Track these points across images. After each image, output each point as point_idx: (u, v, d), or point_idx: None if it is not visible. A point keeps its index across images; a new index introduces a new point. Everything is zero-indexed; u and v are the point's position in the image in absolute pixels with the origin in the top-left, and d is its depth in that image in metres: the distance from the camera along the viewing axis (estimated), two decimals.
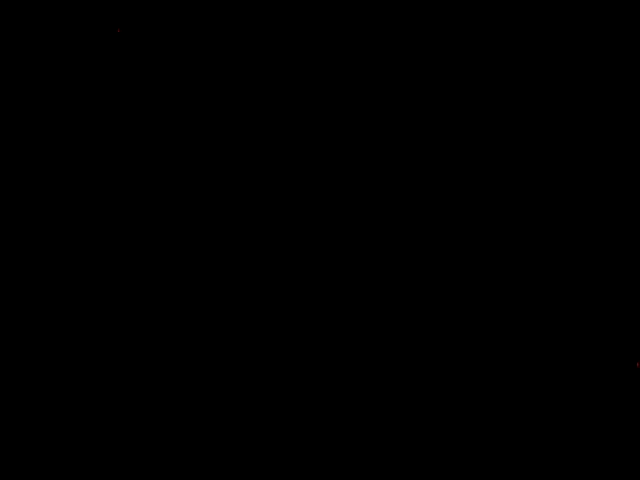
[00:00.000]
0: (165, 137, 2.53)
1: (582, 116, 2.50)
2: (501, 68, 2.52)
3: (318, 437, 2.41)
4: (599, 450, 2.38)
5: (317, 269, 2.49)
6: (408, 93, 2.53)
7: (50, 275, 2.48)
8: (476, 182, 2.50)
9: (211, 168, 2.52)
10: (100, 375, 2.45)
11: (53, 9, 2.54)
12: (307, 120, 2.53)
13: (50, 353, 2.45)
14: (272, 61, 2.54)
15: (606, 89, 2.50)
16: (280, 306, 2.47)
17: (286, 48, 2.54)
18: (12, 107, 2.52)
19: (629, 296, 2.44)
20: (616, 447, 2.37)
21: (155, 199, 2.51)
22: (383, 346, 2.45)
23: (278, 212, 2.51)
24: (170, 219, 2.51)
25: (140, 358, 2.46)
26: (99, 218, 2.50)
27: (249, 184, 2.52)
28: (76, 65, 2.53)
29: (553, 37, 2.52)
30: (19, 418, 2.42)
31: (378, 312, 2.46)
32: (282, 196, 2.51)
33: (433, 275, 2.47)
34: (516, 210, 2.49)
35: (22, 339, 2.45)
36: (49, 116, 2.53)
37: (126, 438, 2.42)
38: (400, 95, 2.53)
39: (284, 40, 2.54)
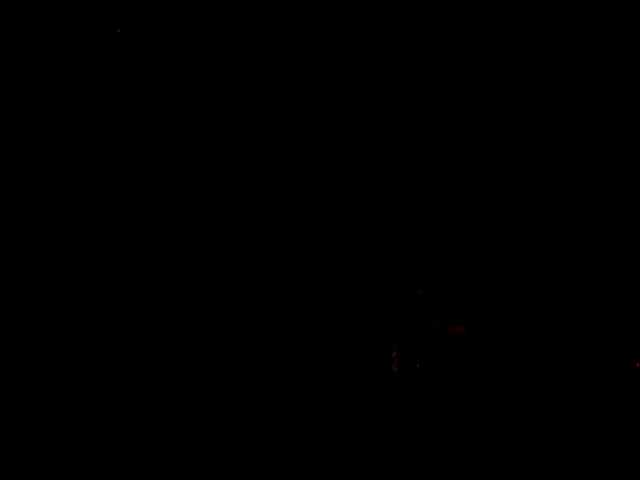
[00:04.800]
0: (165, 136, 2.54)
1: (582, 116, 2.51)
2: (501, 68, 2.53)
3: (318, 438, 2.42)
4: (599, 450, 2.38)
5: (317, 269, 2.49)
6: (408, 93, 2.53)
7: (50, 274, 2.48)
8: (476, 182, 2.51)
9: (211, 168, 2.53)
10: (100, 375, 2.45)
11: (53, 9, 2.55)
12: (307, 120, 2.54)
13: (50, 353, 2.46)
14: (272, 61, 2.55)
15: (606, 89, 2.51)
16: (280, 306, 2.48)
17: (286, 48, 2.55)
18: (12, 106, 2.53)
19: (629, 296, 2.44)
20: (616, 447, 2.38)
21: (154, 198, 2.52)
22: (383, 345, 2.46)
23: (278, 211, 2.52)
24: (169, 218, 2.51)
25: (140, 357, 2.46)
26: (99, 218, 2.51)
27: (249, 184, 2.53)
28: (76, 65, 2.54)
29: (553, 37, 2.52)
30: (19, 418, 2.42)
31: (378, 311, 2.47)
32: (282, 196, 2.52)
33: (432, 274, 2.48)
34: (516, 210, 2.49)
35: (22, 339, 2.46)
36: (50, 115, 2.53)
37: (126, 437, 2.42)
38: (400, 95, 2.54)
39: (284, 40, 2.55)
